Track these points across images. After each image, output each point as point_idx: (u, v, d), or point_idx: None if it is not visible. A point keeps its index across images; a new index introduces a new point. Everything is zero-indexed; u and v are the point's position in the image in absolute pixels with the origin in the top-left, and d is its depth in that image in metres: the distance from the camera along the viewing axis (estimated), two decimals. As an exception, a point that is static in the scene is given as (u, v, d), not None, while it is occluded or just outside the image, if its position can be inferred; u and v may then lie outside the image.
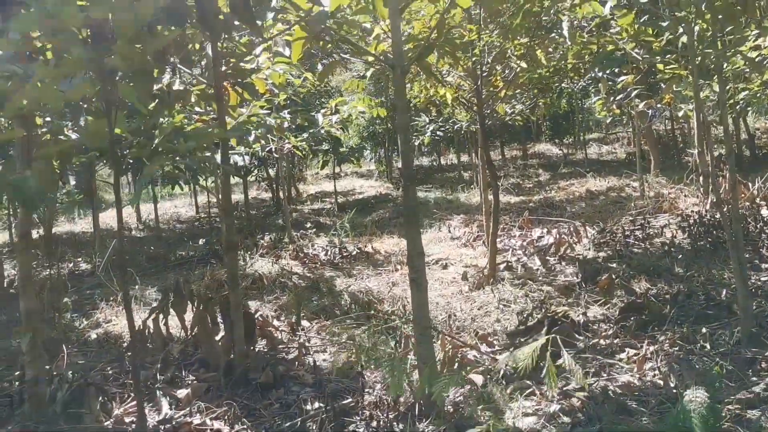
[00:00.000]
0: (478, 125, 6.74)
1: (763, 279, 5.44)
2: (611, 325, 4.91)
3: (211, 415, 3.80)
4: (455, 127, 14.08)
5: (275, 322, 5.48)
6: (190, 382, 4.44)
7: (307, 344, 5.09)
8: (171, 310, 5.03)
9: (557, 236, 7.70)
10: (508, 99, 8.24)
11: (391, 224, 11.48)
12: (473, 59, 6.26)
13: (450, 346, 4.71)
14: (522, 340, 4.87)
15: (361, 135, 18.56)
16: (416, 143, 16.40)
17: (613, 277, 5.86)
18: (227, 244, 4.61)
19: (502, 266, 7.32)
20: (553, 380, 2.39)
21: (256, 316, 5.44)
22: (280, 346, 5.11)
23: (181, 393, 4.14)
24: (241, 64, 6.89)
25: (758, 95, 9.00)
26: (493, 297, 6.05)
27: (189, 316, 5.13)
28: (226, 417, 3.73)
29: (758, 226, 6.72)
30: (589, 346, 4.58)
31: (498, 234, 8.68)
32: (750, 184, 8.37)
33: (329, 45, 4.89)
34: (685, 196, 9.08)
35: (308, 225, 10.11)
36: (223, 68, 6.38)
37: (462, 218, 10.64)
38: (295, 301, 6.31)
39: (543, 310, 5.53)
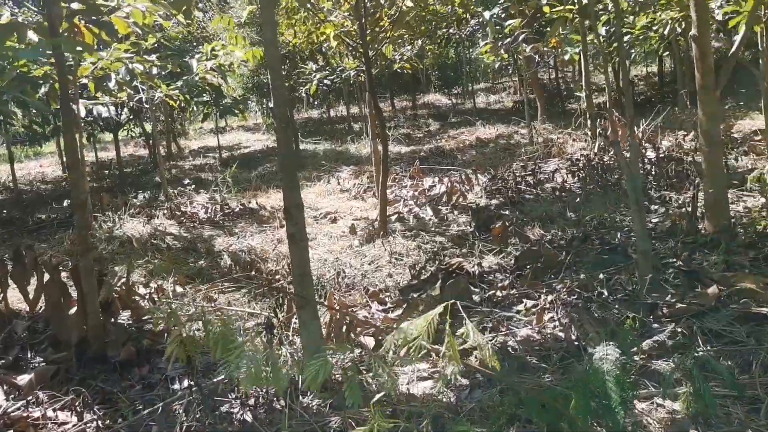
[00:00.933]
0: (365, 70, 6.25)
1: (654, 220, 5.38)
2: (507, 275, 4.67)
3: (57, 405, 3.21)
4: (343, 75, 13.50)
5: (141, 290, 4.86)
6: (36, 365, 3.81)
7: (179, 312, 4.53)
8: (11, 282, 4.31)
9: (449, 185, 7.43)
10: (395, 42, 7.79)
11: (277, 178, 10.87)
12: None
13: (338, 307, 4.32)
14: (415, 296, 4.55)
15: (245, 86, 17.59)
16: (303, 93, 15.72)
17: (507, 224, 5.64)
18: (74, 201, 3.95)
19: (393, 218, 6.98)
20: (455, 357, 2.02)
21: (118, 283, 4.82)
22: (146, 317, 4.53)
23: (23, 379, 3.51)
24: (96, -1, 6.06)
25: (640, 38, 9.04)
26: (385, 250, 5.69)
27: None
28: (74, 406, 3.16)
29: (645, 167, 6.71)
30: (485, 298, 4.31)
31: (388, 185, 8.35)
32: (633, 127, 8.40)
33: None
34: (573, 140, 9.07)
35: (187, 181, 9.34)
36: (74, 4, 5.55)
37: (352, 170, 10.22)
38: (167, 264, 5.69)
39: (437, 262, 5.24)
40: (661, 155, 7.06)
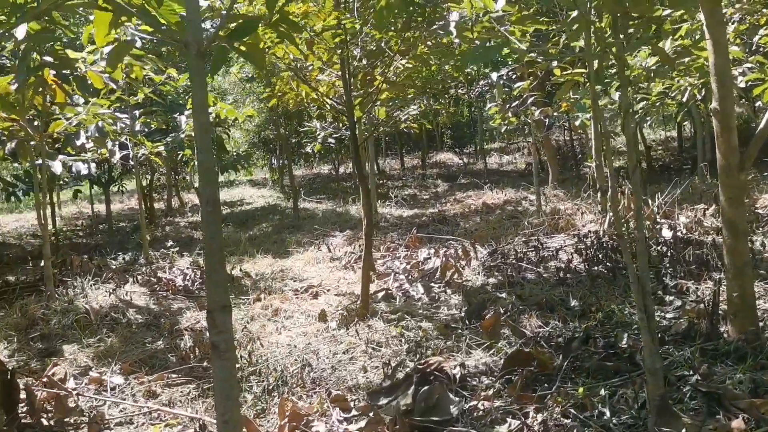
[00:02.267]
0: (350, 133, 5.71)
1: (669, 316, 4.68)
2: (494, 380, 3.98)
3: None
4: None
5: (71, 383, 4.23)
6: None
7: (106, 415, 3.89)
8: None
9: (443, 258, 6.78)
10: (386, 104, 7.30)
11: (270, 240, 10.31)
12: (338, 52, 5.25)
13: (289, 414, 3.67)
14: (384, 402, 3.87)
15: (250, 141, 17.27)
16: (309, 150, 15.34)
17: (501, 313, 4.96)
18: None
19: (380, 295, 6.34)
20: None
21: (49, 372, 4.20)
22: (73, 419, 3.89)
23: None
24: (69, 51, 5.62)
25: (656, 104, 8.48)
26: (360, 339, 5.02)
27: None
28: None
29: (660, 249, 6.03)
30: (465, 411, 3.62)
31: (382, 254, 7.73)
32: (649, 200, 7.76)
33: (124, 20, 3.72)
34: (581, 213, 8.42)
35: (170, 243, 8.79)
36: (46, 57, 5.13)
37: (347, 235, 9.62)
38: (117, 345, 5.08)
39: (417, 358, 4.57)
40: (678, 234, 6.39)
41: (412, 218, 10.52)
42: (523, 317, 5.09)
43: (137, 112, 8.05)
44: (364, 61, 5.96)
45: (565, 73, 7.38)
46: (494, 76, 9.30)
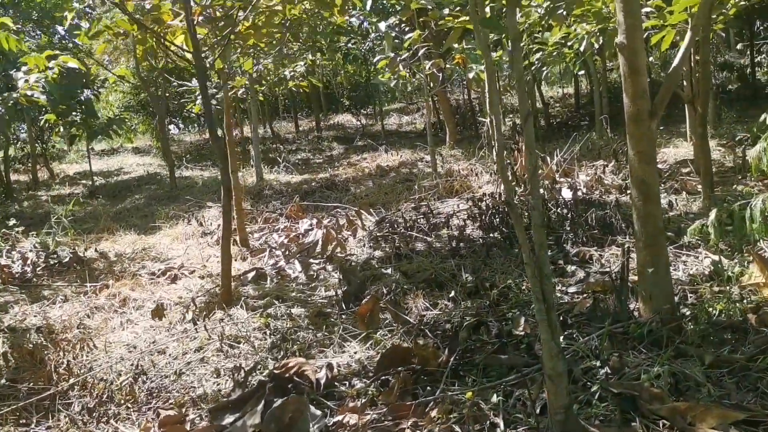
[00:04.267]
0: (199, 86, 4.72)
1: (571, 290, 4.07)
2: (367, 383, 3.23)
3: None
4: (230, 94, 11.91)
5: None
6: None
7: None
8: None
9: (326, 230, 5.98)
10: (246, 52, 6.35)
11: (138, 214, 9.18)
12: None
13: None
14: (230, 421, 3.06)
15: (127, 104, 15.73)
16: (191, 113, 14.06)
17: (380, 295, 4.21)
18: None
19: (250, 275, 5.48)
20: None
21: None
22: None
23: None
24: None
25: (553, 54, 7.90)
26: (212, 336, 4.16)
27: None
28: None
29: (560, 212, 5.45)
30: (327, 430, 2.86)
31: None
32: (548, 158, 7.21)
33: None
34: (477, 174, 7.80)
35: (13, 222, 7.53)
36: None
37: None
38: None
39: (281, 355, 3.77)
40: (579, 195, 5.84)
41: (299, 185, 9.62)
42: (408, 298, 4.37)
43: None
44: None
45: (458, 21, 6.66)
46: (382, 25, 8.46)
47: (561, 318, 3.49)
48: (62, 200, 11.25)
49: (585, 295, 3.91)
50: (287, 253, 6.01)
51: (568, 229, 5.07)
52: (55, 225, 7.49)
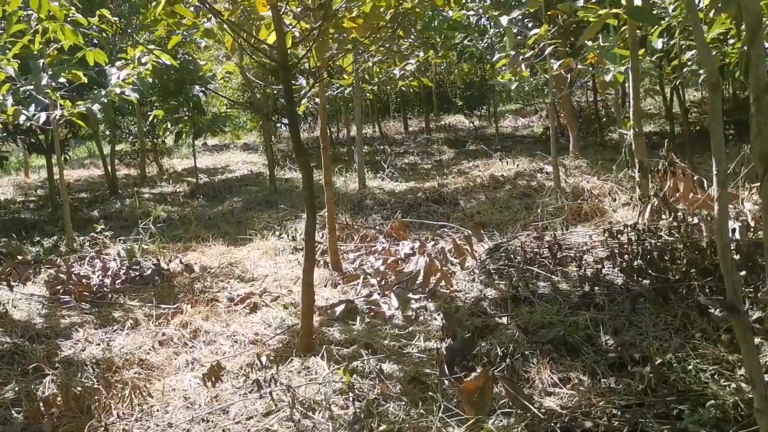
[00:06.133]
0: (284, 87, 3.94)
1: None
2: None
3: None
4: (336, 93, 11.28)
5: None
6: None
7: None
8: None
9: (427, 258, 5.07)
10: (363, 50, 5.55)
11: (232, 220, 8.66)
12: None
13: None
14: None
15: (238, 99, 15.47)
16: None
17: (491, 373, 3.24)
18: None
19: (339, 309, 4.67)
20: None
21: None
22: None
23: None
24: None
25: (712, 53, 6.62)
26: (278, 401, 3.36)
27: None
28: None
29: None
30: None
31: (357, 246, 6.06)
32: (701, 179, 5.95)
33: None
34: (611, 196, 6.62)
35: (102, 226, 7.14)
36: None
37: (321, 217, 7.90)
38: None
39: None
40: (749, 232, 4.61)
41: (404, 194, 8.77)
42: (530, 365, 3.40)
43: (42, 62, 6.34)
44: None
45: (598, 13, 5.56)
46: (504, 20, 7.44)
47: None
48: (164, 199, 11.00)
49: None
50: (384, 282, 5.17)
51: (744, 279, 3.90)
52: (142, 231, 7.03)
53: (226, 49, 4.95)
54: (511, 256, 5.18)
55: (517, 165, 9.96)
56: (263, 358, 3.87)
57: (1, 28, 6.69)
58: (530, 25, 10.02)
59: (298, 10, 4.67)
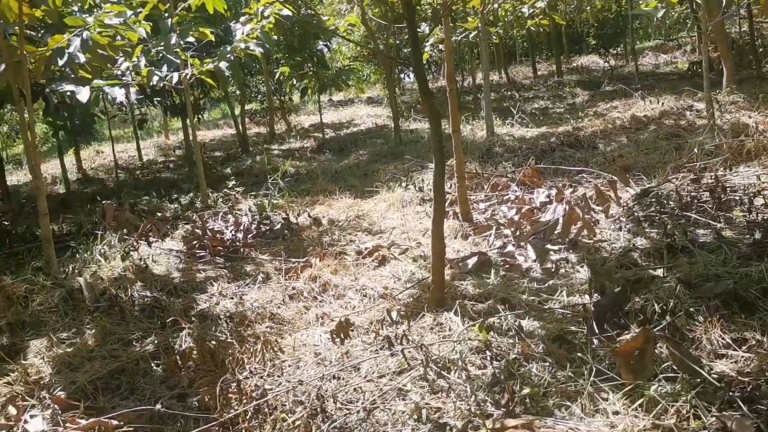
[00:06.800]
0: (408, 31, 3.63)
1: None
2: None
3: None
4: (460, 38, 10.80)
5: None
6: None
7: None
8: None
9: (566, 206, 4.66)
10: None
11: (358, 173, 8.54)
12: None
13: None
14: None
15: (359, 53, 15.34)
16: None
17: (650, 331, 2.84)
18: None
19: (471, 261, 4.39)
20: None
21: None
22: None
23: None
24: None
25: None
26: (410, 359, 3.15)
27: None
28: None
29: None
30: None
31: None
32: None
33: None
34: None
35: (233, 182, 7.25)
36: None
37: (449, 166, 7.58)
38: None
39: (503, 398, 2.66)
40: None
41: (536, 140, 8.25)
42: (695, 323, 2.98)
43: (170, 22, 6.40)
44: None
45: None
46: (648, -60, 6.65)
47: None
48: (292, 155, 11.12)
49: None
50: (518, 233, 4.82)
51: None
52: (272, 186, 7.05)
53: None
54: (663, 201, 4.65)
55: (662, 104, 9.09)
56: (393, 314, 3.69)
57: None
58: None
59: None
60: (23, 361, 3.67)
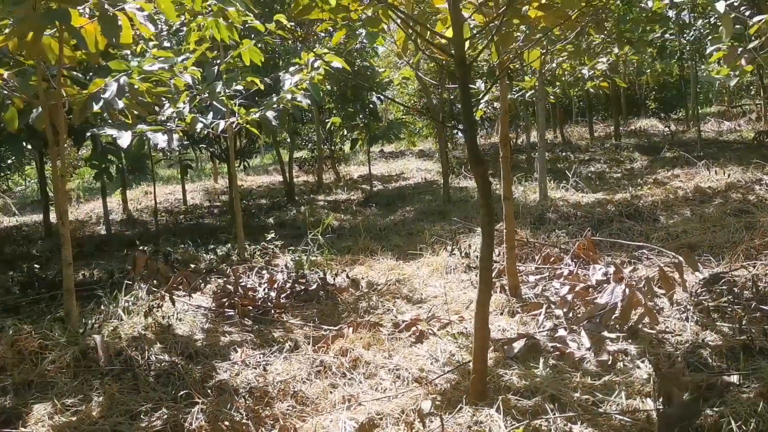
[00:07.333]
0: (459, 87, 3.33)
1: None
2: None
3: None
4: (516, 96, 10.51)
5: None
6: None
7: None
8: None
9: (626, 287, 4.21)
10: (546, 41, 4.81)
11: (402, 231, 8.20)
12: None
13: None
14: None
15: (414, 105, 15.20)
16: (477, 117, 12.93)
17: None
18: None
19: (518, 345, 3.97)
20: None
21: None
22: None
23: None
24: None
25: None
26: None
27: None
28: None
29: None
30: None
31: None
32: None
33: None
34: None
35: (272, 235, 7.01)
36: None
37: (498, 231, 7.20)
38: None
39: None
40: None
41: (592, 207, 7.81)
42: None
43: (216, 68, 6.28)
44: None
45: None
46: (720, 5, 6.27)
47: None
48: (338, 207, 10.90)
49: None
50: (571, 314, 4.38)
51: None
52: (311, 242, 6.78)
53: (396, 46, 4.43)
54: (735, 290, 4.16)
55: (728, 175, 8.56)
56: (428, 403, 3.28)
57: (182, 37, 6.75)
58: (747, 13, 8.58)
59: (478, 1, 4.06)
60: (22, 428, 3.39)
